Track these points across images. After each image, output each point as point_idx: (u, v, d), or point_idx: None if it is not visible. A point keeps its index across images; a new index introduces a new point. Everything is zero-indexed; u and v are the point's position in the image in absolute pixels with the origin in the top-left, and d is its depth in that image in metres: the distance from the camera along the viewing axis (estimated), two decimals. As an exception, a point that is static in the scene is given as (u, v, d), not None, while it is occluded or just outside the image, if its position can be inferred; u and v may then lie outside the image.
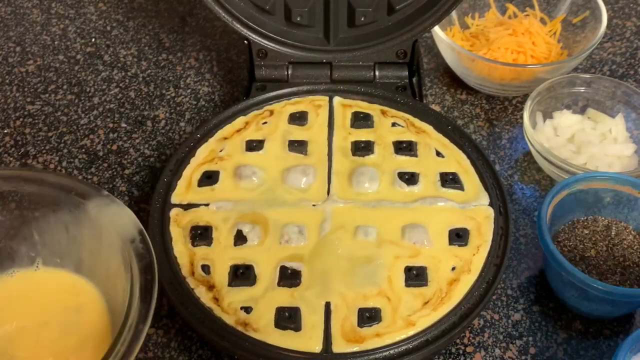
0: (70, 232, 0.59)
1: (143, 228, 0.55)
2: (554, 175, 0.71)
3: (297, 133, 0.69)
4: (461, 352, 0.60)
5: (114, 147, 0.77)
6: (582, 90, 0.75)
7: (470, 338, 0.61)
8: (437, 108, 0.80)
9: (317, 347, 0.54)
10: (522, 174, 0.73)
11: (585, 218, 0.65)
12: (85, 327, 0.57)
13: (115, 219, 0.56)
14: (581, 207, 0.64)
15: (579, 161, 0.69)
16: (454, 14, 0.82)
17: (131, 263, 0.53)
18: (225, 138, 0.69)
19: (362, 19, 0.72)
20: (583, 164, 0.69)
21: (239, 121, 0.70)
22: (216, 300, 0.56)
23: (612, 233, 0.63)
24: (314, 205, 0.63)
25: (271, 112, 0.71)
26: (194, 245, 0.60)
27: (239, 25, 0.73)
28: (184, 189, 0.64)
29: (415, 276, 0.57)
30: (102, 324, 0.57)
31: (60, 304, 0.58)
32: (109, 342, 0.49)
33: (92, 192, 0.58)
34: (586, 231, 0.63)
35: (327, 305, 0.56)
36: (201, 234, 0.60)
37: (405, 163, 0.66)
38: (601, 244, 0.62)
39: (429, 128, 0.70)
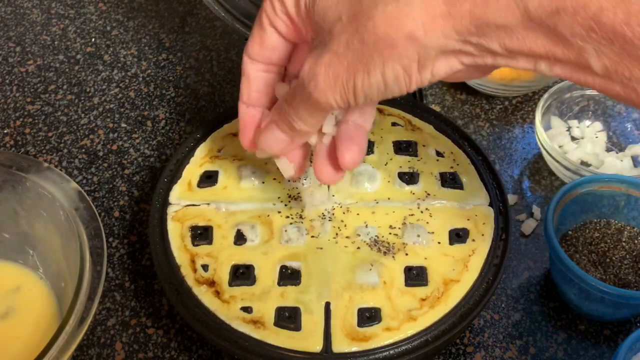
0: (18, 212, 0.59)
1: (85, 193, 0.55)
2: (567, 179, 0.70)
3: (297, 133, 0.69)
4: (461, 352, 0.60)
5: (114, 147, 0.77)
6: (595, 93, 0.74)
7: (470, 338, 0.61)
8: (437, 108, 0.80)
9: (317, 346, 0.54)
10: (522, 173, 0.73)
11: (597, 220, 0.64)
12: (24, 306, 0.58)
13: (58, 189, 0.56)
14: (595, 209, 0.64)
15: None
16: (454, 14, 0.81)
17: (78, 231, 0.54)
18: (234, 134, 0.69)
19: (362, 18, 0.72)
20: (595, 167, 0.69)
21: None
22: (217, 293, 0.56)
23: (624, 237, 0.63)
24: (313, 205, 0.63)
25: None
26: (194, 245, 0.60)
27: (239, 26, 0.72)
28: (184, 189, 0.64)
29: (415, 276, 0.57)
30: (44, 300, 0.58)
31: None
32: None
33: (31, 164, 0.58)
34: (597, 234, 0.63)
35: (327, 305, 0.56)
36: (201, 234, 0.60)
37: (405, 163, 0.66)
38: (611, 247, 0.62)
39: (429, 128, 0.69)
